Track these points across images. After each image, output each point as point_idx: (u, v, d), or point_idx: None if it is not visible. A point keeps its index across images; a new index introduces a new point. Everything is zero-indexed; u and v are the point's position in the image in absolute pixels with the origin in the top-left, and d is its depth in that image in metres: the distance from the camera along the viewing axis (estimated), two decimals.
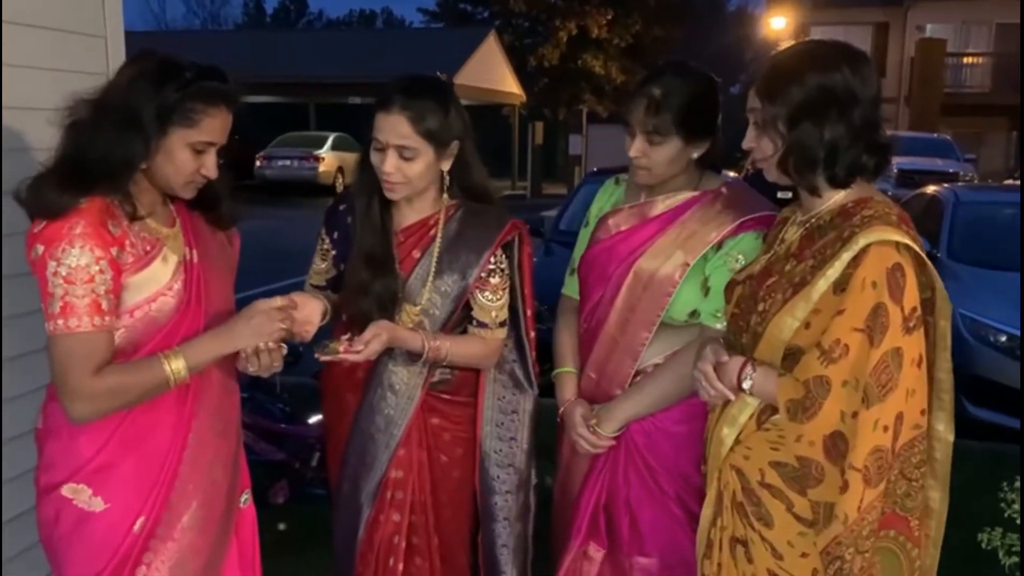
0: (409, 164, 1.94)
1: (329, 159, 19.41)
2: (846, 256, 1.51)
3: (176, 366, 1.60)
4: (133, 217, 1.62)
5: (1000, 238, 5.79)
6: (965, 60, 23.15)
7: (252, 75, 18.90)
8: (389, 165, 1.93)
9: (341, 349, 1.85)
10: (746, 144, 1.68)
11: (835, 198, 1.63)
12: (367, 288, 1.98)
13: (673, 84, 1.92)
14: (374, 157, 1.96)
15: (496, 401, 2.15)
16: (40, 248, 1.54)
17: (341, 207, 2.10)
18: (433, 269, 2.02)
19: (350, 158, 20.17)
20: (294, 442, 3.52)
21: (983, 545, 2.21)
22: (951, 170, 14.33)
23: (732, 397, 1.67)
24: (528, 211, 13.03)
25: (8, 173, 2.17)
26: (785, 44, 1.69)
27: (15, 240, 1.64)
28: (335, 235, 2.10)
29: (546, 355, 2.24)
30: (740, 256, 1.94)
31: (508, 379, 2.17)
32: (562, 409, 2.12)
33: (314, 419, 3.62)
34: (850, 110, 1.56)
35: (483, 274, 2.04)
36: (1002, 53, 23.22)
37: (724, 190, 2.02)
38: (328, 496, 3.70)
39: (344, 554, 2.13)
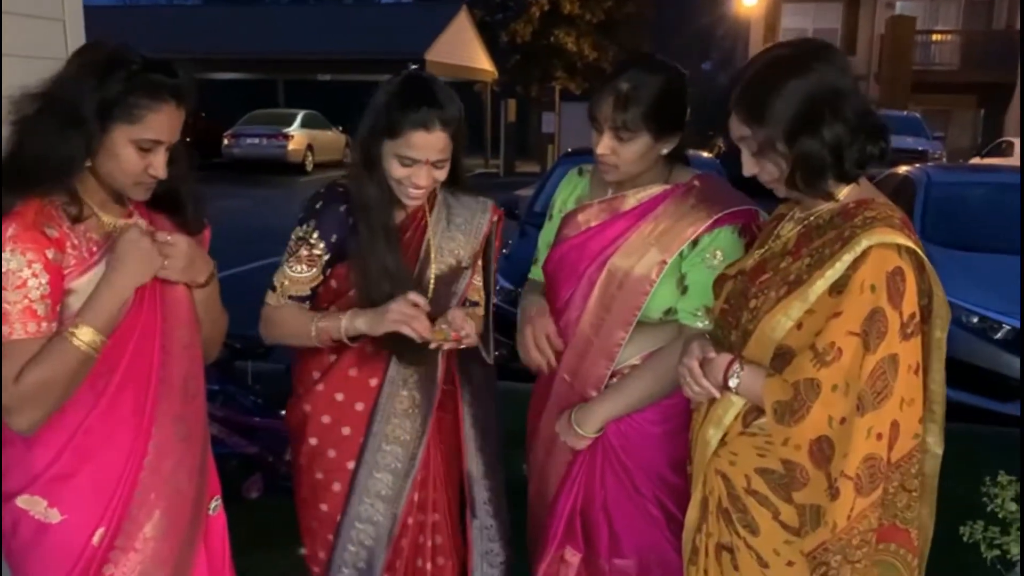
0: (440, 171, 1.90)
1: (299, 137, 19.16)
2: (847, 258, 1.46)
3: (86, 336, 1.50)
4: (77, 219, 1.53)
5: (973, 219, 5.84)
6: (934, 38, 23.28)
7: (219, 51, 18.85)
8: (426, 179, 1.88)
9: (452, 335, 1.84)
10: (747, 172, 1.62)
11: (843, 190, 1.58)
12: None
13: (641, 78, 1.86)
14: (400, 171, 1.87)
15: (468, 381, 2.10)
16: None
17: (342, 208, 1.93)
18: (433, 259, 1.99)
19: (320, 135, 20.07)
20: (267, 435, 3.46)
21: (965, 539, 2.22)
22: (920, 148, 14.49)
23: (717, 395, 1.63)
24: (502, 189, 13.00)
25: None
26: (753, 56, 1.63)
27: None
28: (333, 238, 1.92)
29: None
30: (718, 252, 1.90)
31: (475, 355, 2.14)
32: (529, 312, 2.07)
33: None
34: (840, 105, 1.51)
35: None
36: (970, 31, 23.42)
37: (697, 183, 1.97)
38: None
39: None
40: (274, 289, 1.95)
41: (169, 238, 1.61)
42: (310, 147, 19.42)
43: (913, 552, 1.60)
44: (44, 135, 1.48)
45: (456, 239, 2.02)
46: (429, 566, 2.05)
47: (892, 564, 1.58)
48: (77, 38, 2.47)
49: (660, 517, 1.99)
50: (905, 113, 17.39)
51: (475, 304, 2.09)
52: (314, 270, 1.93)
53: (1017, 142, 15.63)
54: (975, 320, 4.89)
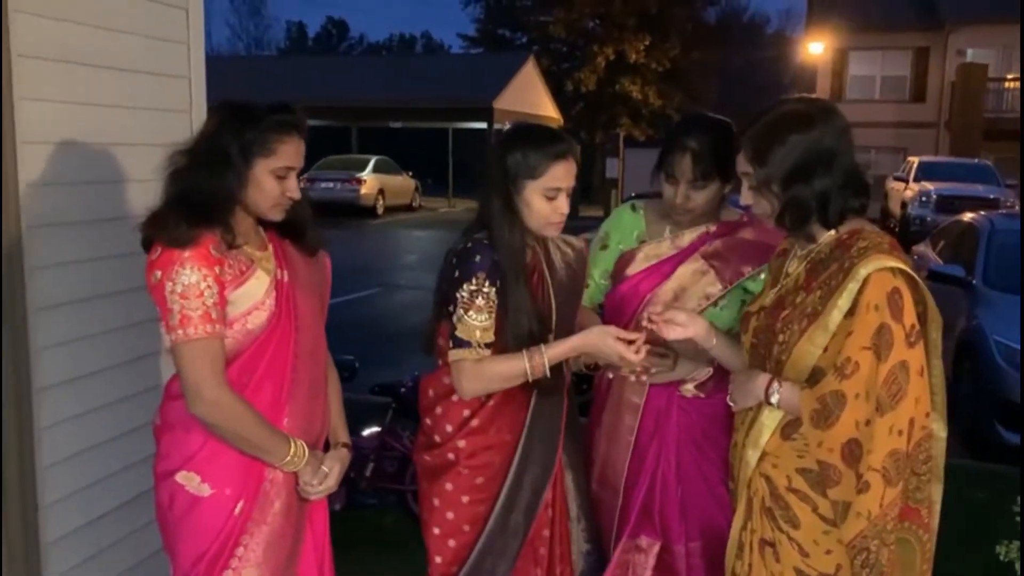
0: (568, 198, 2.12)
1: (371, 181, 19.81)
2: (852, 287, 1.69)
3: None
4: (232, 245, 1.86)
5: None
6: (1006, 85, 22.96)
7: (295, 99, 19.43)
8: (567, 205, 2.11)
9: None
10: (743, 202, 1.90)
11: (831, 232, 1.82)
12: (539, 340, 2.06)
13: (706, 136, 2.21)
14: (546, 206, 2.07)
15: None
16: (159, 273, 1.79)
17: (495, 257, 2.06)
18: (553, 294, 2.18)
19: (390, 180, 20.64)
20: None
21: (1001, 557, 2.34)
22: (991, 196, 14.23)
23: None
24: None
25: (111, 201, 2.48)
26: (764, 108, 1.85)
27: (135, 259, 1.92)
28: (498, 284, 2.06)
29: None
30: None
31: None
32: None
33: (367, 432, 3.84)
34: (832, 162, 1.76)
35: None
36: None
37: (745, 220, 2.31)
38: (378, 505, 3.90)
39: None
40: (468, 345, 2.03)
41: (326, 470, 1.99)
42: (381, 191, 20.04)
43: (924, 528, 1.83)
44: (204, 178, 1.83)
45: (568, 274, 2.24)
46: (558, 571, 2.25)
47: (907, 540, 1.80)
48: (200, 93, 2.81)
49: (725, 497, 2.19)
50: (976, 161, 17.18)
51: None
52: (492, 316, 2.05)
53: None
54: None
